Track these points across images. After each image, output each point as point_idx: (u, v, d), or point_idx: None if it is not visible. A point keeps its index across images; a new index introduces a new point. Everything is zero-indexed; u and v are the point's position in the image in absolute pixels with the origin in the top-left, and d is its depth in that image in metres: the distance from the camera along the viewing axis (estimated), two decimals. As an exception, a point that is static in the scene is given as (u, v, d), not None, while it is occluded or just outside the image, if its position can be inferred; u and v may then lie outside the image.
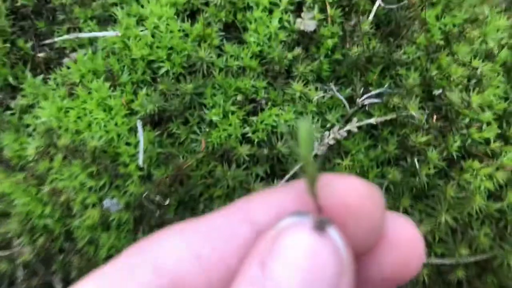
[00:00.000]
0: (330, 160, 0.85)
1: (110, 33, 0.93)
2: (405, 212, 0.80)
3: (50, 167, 0.89)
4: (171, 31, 0.91)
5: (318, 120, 0.87)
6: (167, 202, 0.85)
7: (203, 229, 0.36)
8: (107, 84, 0.91)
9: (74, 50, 0.99)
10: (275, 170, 0.87)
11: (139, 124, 0.88)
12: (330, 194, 0.34)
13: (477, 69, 0.85)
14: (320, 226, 0.32)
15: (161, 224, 0.86)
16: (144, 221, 0.87)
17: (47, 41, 1.01)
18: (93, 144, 0.87)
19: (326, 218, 0.33)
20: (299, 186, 0.36)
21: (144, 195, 0.85)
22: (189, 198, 0.86)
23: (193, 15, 0.95)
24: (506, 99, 0.87)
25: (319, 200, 0.34)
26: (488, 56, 0.88)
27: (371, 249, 0.36)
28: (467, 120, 0.84)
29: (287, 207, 0.35)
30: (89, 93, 0.91)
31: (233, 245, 0.35)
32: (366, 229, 0.34)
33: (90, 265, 0.87)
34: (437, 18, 0.91)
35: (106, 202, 0.86)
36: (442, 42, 0.89)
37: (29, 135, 0.92)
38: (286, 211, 0.34)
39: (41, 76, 0.97)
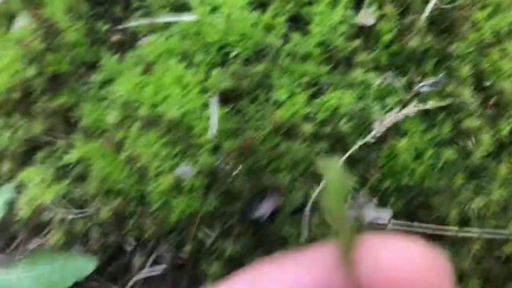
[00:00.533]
0: (388, 140, 0.92)
1: (185, 18, 1.02)
2: (458, 190, 0.88)
3: (127, 136, 0.97)
4: (243, 19, 1.00)
5: (377, 103, 0.95)
6: (235, 172, 0.92)
7: None
8: (183, 64, 0.99)
9: (148, 34, 1.07)
10: (337, 147, 0.94)
11: (212, 100, 0.96)
12: (373, 265, 0.25)
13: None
14: None
15: (228, 191, 0.93)
16: (213, 188, 0.94)
17: (122, 26, 1.09)
18: (169, 116, 0.95)
19: None
20: (328, 253, 0.26)
21: (215, 164, 0.93)
22: (256, 169, 0.93)
23: (262, 6, 1.04)
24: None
25: (356, 274, 0.24)
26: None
27: None
28: (515, 108, 0.92)
29: (308, 285, 0.25)
30: (165, 71, 0.99)
31: None
32: None
33: (161, 227, 0.94)
34: (488, 17, 1.00)
35: (179, 170, 0.94)
36: (492, 40, 0.98)
37: (107, 106, 1.00)
38: None
39: (117, 56, 1.05)
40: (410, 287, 0.25)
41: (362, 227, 0.88)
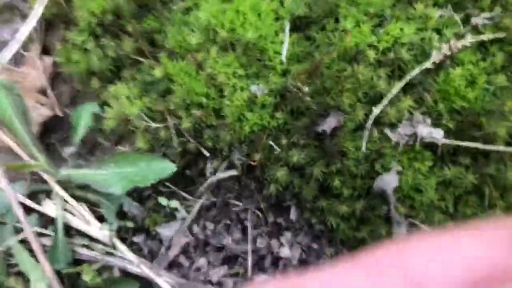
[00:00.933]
0: (445, 68, 1.02)
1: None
2: (508, 111, 0.97)
3: (208, 56, 1.09)
4: (315, -46, 1.10)
5: (436, 35, 1.04)
6: (304, 90, 1.03)
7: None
8: (259, -6, 1.10)
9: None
10: (396, 73, 1.05)
11: (286, 26, 1.07)
12: None
13: None
14: None
15: (296, 108, 1.05)
16: (282, 105, 1.06)
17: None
18: (245, 40, 1.07)
19: None
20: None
21: (285, 84, 1.05)
22: (323, 90, 1.05)
23: None
24: None
25: None
26: None
27: None
28: None
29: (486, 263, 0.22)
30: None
31: None
32: None
33: (235, 137, 1.07)
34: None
35: (253, 87, 1.06)
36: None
37: (190, 30, 1.12)
38: None
39: (198, -14, 1.17)
40: None
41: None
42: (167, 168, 1.07)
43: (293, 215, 1.10)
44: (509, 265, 0.22)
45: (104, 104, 1.18)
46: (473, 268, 0.23)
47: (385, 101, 1.02)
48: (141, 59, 1.15)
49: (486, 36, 1.02)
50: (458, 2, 1.08)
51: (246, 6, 1.09)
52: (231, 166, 1.10)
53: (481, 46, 1.05)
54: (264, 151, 1.06)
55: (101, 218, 1.11)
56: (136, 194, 1.12)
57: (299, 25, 1.10)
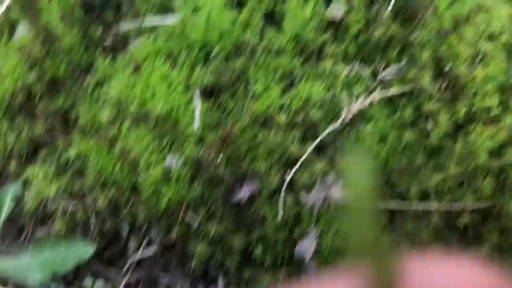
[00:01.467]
0: (355, 125, 1.03)
1: (169, 21, 1.13)
2: (419, 167, 0.98)
3: (120, 132, 1.08)
4: (221, 18, 1.10)
5: (345, 92, 1.05)
6: (218, 160, 1.03)
7: None
8: (168, 63, 1.10)
9: (137, 36, 1.18)
10: (309, 134, 1.05)
11: (195, 96, 1.07)
12: None
13: (481, 47, 1.03)
14: None
15: (211, 178, 1.05)
16: (198, 176, 1.05)
17: (114, 29, 1.21)
18: (157, 112, 1.06)
19: None
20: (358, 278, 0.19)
21: (199, 154, 1.04)
22: (236, 158, 1.04)
23: (239, 5, 1.14)
24: (506, 73, 1.04)
25: None
26: (491, 38, 1.06)
27: None
28: (472, 90, 1.01)
29: None
30: (152, 70, 1.10)
31: None
32: None
33: (152, 213, 1.06)
34: (448, 6, 1.09)
35: (167, 161, 1.05)
36: (451, 26, 1.07)
37: (101, 105, 1.12)
38: None
39: (110, 57, 1.17)
40: None
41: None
42: (87, 250, 1.06)
43: (220, 287, 1.09)
44: None
45: (24, 185, 1.16)
46: None
47: (297, 165, 1.01)
48: (54, 139, 1.14)
49: (394, 91, 1.02)
50: (366, 55, 1.09)
51: (155, 78, 1.09)
52: (151, 242, 1.08)
53: (390, 101, 1.05)
54: (182, 225, 1.05)
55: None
56: (59, 279, 1.10)
57: (210, 93, 1.10)
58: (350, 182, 0.17)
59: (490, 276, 0.20)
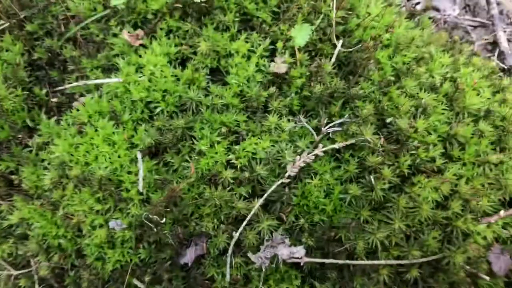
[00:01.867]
0: (301, 180, 1.02)
1: (113, 80, 1.12)
2: (365, 221, 0.97)
3: (63, 195, 1.06)
4: (165, 76, 1.10)
5: (290, 146, 1.05)
6: (163, 221, 1.01)
7: None
8: (111, 123, 1.09)
9: (82, 95, 1.17)
10: (256, 190, 1.04)
11: (139, 156, 1.06)
12: None
13: (423, 99, 1.04)
14: None
15: (157, 240, 1.03)
16: (144, 238, 1.03)
17: (59, 88, 1.20)
18: (99, 174, 1.05)
19: None
20: None
21: (144, 215, 1.02)
22: (182, 217, 1.03)
23: (183, 62, 1.14)
24: (448, 123, 1.05)
25: None
26: (433, 88, 1.07)
27: None
28: (415, 142, 1.02)
29: None
30: (96, 130, 1.09)
31: None
32: None
33: (98, 278, 1.03)
34: (389, 57, 1.10)
35: (112, 223, 1.03)
36: (393, 78, 1.08)
37: (45, 168, 1.10)
38: None
39: (54, 118, 1.15)
40: None
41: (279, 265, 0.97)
42: (31, 319, 1.02)
43: None
44: None
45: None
46: None
47: (244, 223, 1.00)
48: (-2, 203, 1.11)
49: (338, 144, 1.02)
50: (311, 108, 1.09)
51: (99, 138, 1.08)
52: (98, 309, 1.05)
53: (335, 155, 1.05)
54: (129, 289, 1.03)
55: None
56: None
57: (155, 151, 1.09)
58: None
59: None
